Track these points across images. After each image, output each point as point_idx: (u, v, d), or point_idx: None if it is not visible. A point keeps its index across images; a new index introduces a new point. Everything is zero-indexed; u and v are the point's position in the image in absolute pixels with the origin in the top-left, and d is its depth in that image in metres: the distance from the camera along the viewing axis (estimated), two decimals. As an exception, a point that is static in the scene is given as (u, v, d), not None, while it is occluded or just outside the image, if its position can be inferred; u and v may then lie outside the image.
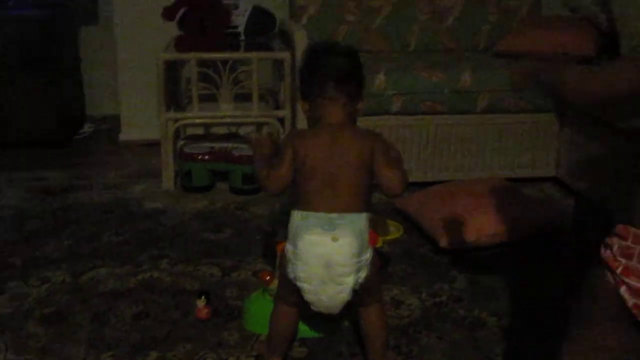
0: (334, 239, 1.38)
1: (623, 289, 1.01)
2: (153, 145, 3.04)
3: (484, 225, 2.18)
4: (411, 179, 2.68)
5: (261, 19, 3.11)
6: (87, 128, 3.75)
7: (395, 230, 1.94)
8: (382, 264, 1.73)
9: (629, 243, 1.00)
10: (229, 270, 2.05)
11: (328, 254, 1.38)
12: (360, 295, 1.48)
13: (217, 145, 2.83)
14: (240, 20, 3.03)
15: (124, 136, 3.52)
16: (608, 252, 1.03)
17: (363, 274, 1.43)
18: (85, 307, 1.82)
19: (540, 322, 1.79)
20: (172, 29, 2.91)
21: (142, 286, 1.94)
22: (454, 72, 2.70)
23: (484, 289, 1.97)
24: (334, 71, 1.50)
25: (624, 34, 2.83)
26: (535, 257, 2.21)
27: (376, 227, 1.80)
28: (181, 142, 2.90)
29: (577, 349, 1.10)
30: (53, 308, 1.82)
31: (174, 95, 3.02)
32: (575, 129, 2.77)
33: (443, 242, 2.15)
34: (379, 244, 1.74)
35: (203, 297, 1.75)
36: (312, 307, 1.47)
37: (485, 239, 2.18)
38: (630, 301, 1.00)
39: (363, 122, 2.56)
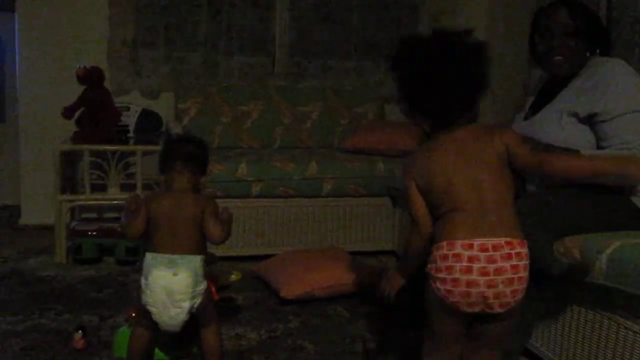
0: (175, 274, 1.90)
1: (437, 284, 1.52)
2: (50, 229, 3.46)
3: (317, 281, 2.74)
4: (269, 251, 3.28)
5: (149, 119, 3.69)
6: (-12, 214, 4.14)
7: (235, 276, 2.46)
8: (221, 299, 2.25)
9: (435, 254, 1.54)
10: (106, 317, 2.50)
11: (169, 285, 1.90)
12: (198, 318, 1.99)
13: (104, 224, 3.31)
14: (130, 120, 3.60)
15: (23, 220, 3.92)
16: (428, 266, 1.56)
17: (198, 301, 1.94)
18: (-19, 344, 2.23)
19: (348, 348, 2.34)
20: (72, 127, 3.43)
21: (30, 329, 2.36)
22: (303, 162, 3.34)
23: (311, 327, 2.51)
24: (182, 153, 2.06)
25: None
26: (355, 304, 2.77)
27: (220, 273, 2.35)
28: (74, 223, 3.36)
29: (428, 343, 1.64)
30: (-47, 346, 2.22)
31: (71, 184, 3.51)
32: (406, 210, 3.42)
33: (283, 293, 2.69)
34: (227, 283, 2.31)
35: (80, 330, 2.20)
36: (159, 326, 1.96)
37: (318, 291, 2.74)
38: (442, 289, 1.51)
39: (228, 204, 3.15)
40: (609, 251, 1.82)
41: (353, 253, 3.23)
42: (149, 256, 1.95)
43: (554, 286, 2.03)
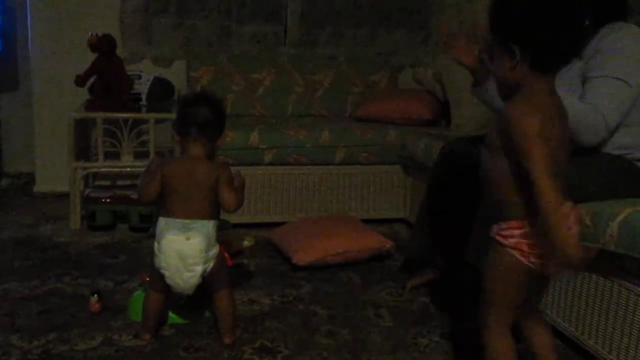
0: (187, 238, 1.93)
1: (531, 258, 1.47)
2: (64, 196, 3.50)
3: (328, 248, 2.76)
4: (280, 219, 3.30)
5: (161, 87, 3.69)
6: (3, 182, 4.18)
7: (248, 242, 2.49)
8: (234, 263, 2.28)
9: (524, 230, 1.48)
10: (120, 282, 2.54)
11: (182, 249, 1.93)
12: (211, 282, 2.01)
13: (118, 191, 3.34)
14: (142, 87, 3.61)
15: (38, 188, 3.96)
16: (510, 239, 1.48)
17: (210, 265, 1.97)
18: (-1, 307, 2.28)
19: (354, 314, 2.36)
20: (84, 94, 3.45)
21: (47, 293, 2.40)
22: (316, 130, 3.34)
23: (323, 293, 2.53)
24: (197, 118, 2.03)
25: (454, 103, 3.57)
26: (366, 270, 2.79)
27: (233, 239, 2.37)
28: (88, 190, 3.39)
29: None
30: (-29, 309, 2.26)
31: (84, 151, 3.53)
32: (417, 178, 3.42)
33: (295, 259, 2.71)
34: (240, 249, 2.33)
35: (96, 294, 2.24)
36: (172, 290, 1.99)
37: (329, 258, 2.76)
38: (537, 262, 1.46)
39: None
40: (620, 218, 1.82)
41: (364, 221, 3.24)
42: (162, 221, 1.97)
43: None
